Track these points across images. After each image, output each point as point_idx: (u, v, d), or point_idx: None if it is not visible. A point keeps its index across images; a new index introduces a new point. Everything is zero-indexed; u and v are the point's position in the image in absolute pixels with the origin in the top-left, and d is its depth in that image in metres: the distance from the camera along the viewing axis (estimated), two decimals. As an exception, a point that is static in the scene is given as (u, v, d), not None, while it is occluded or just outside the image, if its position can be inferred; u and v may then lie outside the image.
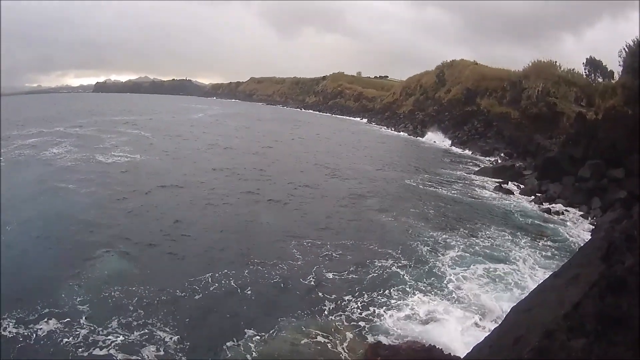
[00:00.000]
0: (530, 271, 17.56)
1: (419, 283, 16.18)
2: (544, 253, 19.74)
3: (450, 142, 62.39)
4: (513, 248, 20.16)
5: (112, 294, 14.14)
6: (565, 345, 5.72)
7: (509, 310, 9.35)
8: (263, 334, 12.36)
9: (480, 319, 13.93)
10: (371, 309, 14.24)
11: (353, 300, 14.74)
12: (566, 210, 26.98)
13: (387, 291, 15.46)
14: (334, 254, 18.47)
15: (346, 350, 12.03)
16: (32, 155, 36.21)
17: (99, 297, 13.88)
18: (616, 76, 42.90)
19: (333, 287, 15.56)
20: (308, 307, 14.00)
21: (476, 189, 32.65)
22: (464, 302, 14.94)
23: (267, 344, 11.98)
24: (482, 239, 21.18)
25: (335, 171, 36.96)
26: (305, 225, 22.16)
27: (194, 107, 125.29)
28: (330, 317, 13.59)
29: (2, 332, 11.83)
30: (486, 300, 15.03)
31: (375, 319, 13.67)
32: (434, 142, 64.60)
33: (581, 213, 26.55)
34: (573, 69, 55.04)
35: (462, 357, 10.75)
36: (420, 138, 68.64)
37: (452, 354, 11.60)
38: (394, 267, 17.46)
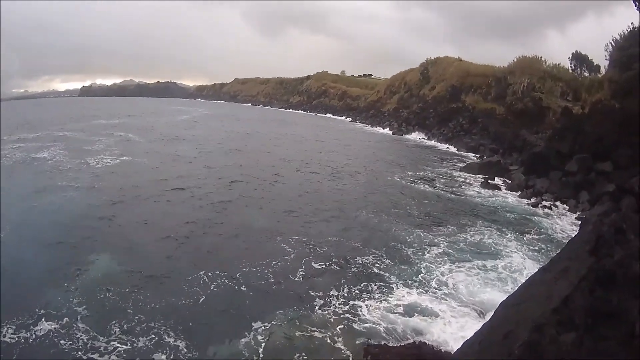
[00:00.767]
0: (519, 266, 17.40)
1: (407, 278, 16.21)
2: (532, 247, 19.61)
3: (435, 139, 62.35)
4: (501, 243, 20.03)
5: (108, 295, 14.23)
6: (555, 340, 5.80)
7: (498, 306, 9.05)
8: (254, 333, 12.37)
9: (469, 313, 13.78)
10: (359, 304, 14.27)
11: (340, 296, 14.82)
12: (554, 205, 26.80)
13: (375, 286, 15.54)
14: (320, 251, 18.48)
15: (336, 349, 11.89)
16: (23, 160, 35.83)
17: (95, 299, 13.96)
18: (602, 70, 42.89)
19: (321, 284, 15.62)
20: (297, 306, 14.04)
21: (462, 185, 32.45)
22: (452, 296, 14.89)
23: (258, 344, 11.95)
24: (469, 235, 21.03)
25: (320, 169, 36.78)
26: (292, 223, 22.09)
27: (178, 109, 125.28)
28: (319, 315, 13.62)
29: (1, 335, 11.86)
30: (474, 295, 14.95)
31: (364, 315, 13.67)
32: (419, 139, 64.53)
33: (569, 207, 26.40)
34: (559, 64, 55.25)
35: (452, 352, 10.70)
36: (406, 135, 68.42)
37: (442, 350, 11.53)
38: (380, 262, 17.55)
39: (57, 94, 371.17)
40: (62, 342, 11.69)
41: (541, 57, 57.40)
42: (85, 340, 11.78)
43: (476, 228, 22.06)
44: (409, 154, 49.47)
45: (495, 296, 14.21)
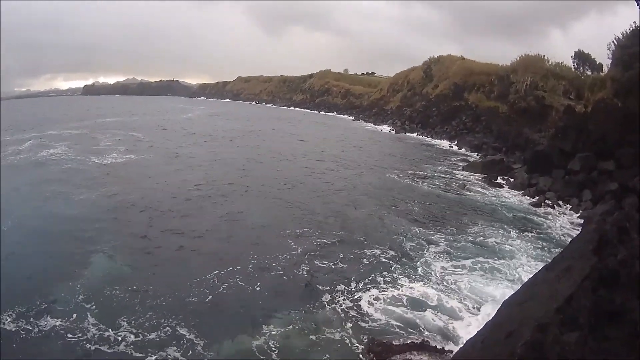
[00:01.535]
0: (521, 264, 17.47)
1: (410, 274, 16.45)
2: (534, 246, 19.64)
3: (438, 137, 62.17)
4: (503, 242, 20.08)
5: (115, 291, 14.37)
6: (558, 339, 5.65)
7: (501, 304, 9.09)
8: (260, 330, 12.53)
9: (471, 311, 13.88)
10: (363, 300, 14.49)
11: (344, 292, 15.05)
12: (557, 204, 26.77)
13: (379, 282, 15.76)
14: (325, 247, 18.78)
15: (339, 346, 11.97)
16: (28, 158, 35.86)
17: (102, 295, 14.14)
18: (605, 69, 42.74)
19: (326, 280, 15.87)
20: (302, 302, 14.23)
21: (465, 184, 32.38)
22: (455, 293, 14.99)
23: (263, 340, 12.06)
24: (472, 233, 21.10)
25: (323, 167, 36.89)
26: (296, 220, 22.32)
27: (182, 108, 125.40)
28: (323, 311, 13.79)
29: (4, 331, 12.06)
30: (477, 292, 15.01)
31: (368, 311, 13.88)
32: (422, 137, 64.36)
33: (571, 206, 26.35)
34: (562, 63, 55.01)
35: (454, 351, 10.65)
36: (409, 134, 68.22)
37: (445, 348, 11.55)
38: (383, 259, 17.77)
39: (60, 92, 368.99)
40: (69, 335, 11.92)
41: (544, 56, 57.20)
42: (94, 332, 12.01)
43: (478, 226, 22.10)
44: (411, 153, 49.46)
45: (497, 294, 14.37)
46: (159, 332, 12.15)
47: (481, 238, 20.49)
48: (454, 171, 38.00)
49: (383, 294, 14.83)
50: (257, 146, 48.66)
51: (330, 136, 61.57)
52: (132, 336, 11.97)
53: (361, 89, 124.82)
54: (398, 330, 12.80)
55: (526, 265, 17.24)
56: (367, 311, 13.81)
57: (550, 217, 24.51)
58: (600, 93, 32.63)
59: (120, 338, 11.86)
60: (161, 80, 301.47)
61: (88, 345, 11.52)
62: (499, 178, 34.37)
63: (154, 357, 11.20)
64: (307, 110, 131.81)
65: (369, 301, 14.38)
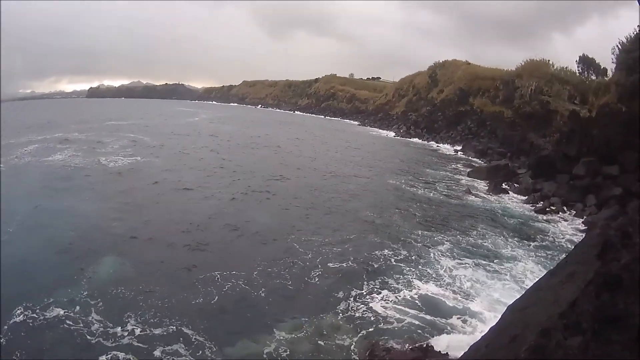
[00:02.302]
0: (526, 269, 17.52)
1: (416, 277, 16.47)
2: (539, 251, 19.69)
3: (443, 142, 62.33)
4: (509, 246, 20.16)
5: (120, 291, 14.37)
6: (561, 344, 5.50)
7: (505, 309, 9.19)
8: (266, 332, 12.51)
9: (476, 315, 13.89)
10: (368, 303, 14.55)
11: (351, 294, 15.08)
12: (561, 209, 26.77)
13: (384, 286, 15.72)
14: (332, 250, 18.84)
15: (343, 349, 12.03)
16: (35, 161, 35.56)
17: (107, 295, 14.11)
18: (610, 73, 42.65)
19: (333, 282, 15.94)
20: (309, 305, 14.30)
21: (470, 189, 32.34)
22: (461, 296, 15.07)
23: (268, 342, 12.07)
24: (476, 238, 21.16)
25: (331, 172, 36.89)
26: (304, 223, 22.44)
27: (187, 111, 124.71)
28: (329, 314, 13.81)
29: (9, 327, 12.10)
30: (483, 295, 15.14)
31: (373, 314, 13.91)
32: (427, 142, 64.48)
33: (575, 211, 26.36)
34: (566, 67, 55.02)
35: (458, 356, 10.47)
36: (415, 139, 68.36)
37: (448, 353, 11.52)
38: (391, 261, 17.88)
39: (64, 95, 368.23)
40: (74, 332, 12.04)
41: (549, 60, 57.23)
42: (98, 329, 12.17)
43: (482, 231, 22.16)
44: (416, 158, 49.51)
45: (503, 297, 14.55)
46: (164, 331, 12.23)
47: (485, 243, 20.56)
48: (458, 176, 38.12)
49: (390, 297, 14.89)
50: (263, 149, 48.80)
51: (336, 141, 61.39)
52: (137, 332, 12.11)
53: (367, 94, 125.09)
54: (403, 333, 12.84)
55: (530, 271, 17.28)
56: (373, 314, 13.83)
57: (554, 222, 24.54)
58: (605, 97, 32.62)
59: (125, 334, 11.99)
60: (166, 83, 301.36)
61: (92, 341, 11.68)
62: (503, 183, 34.23)
63: (158, 354, 11.33)
64: (313, 115, 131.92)
65: (376, 304, 14.42)
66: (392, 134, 76.47)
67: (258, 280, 15.70)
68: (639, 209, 20.93)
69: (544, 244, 20.92)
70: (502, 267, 17.72)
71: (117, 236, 19.29)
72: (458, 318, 13.75)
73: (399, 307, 14.36)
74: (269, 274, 16.25)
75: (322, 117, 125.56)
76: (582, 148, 30.67)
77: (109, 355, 11.14)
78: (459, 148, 56.44)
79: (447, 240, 20.68)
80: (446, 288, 15.74)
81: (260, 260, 17.30)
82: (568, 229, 23.54)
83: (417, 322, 13.44)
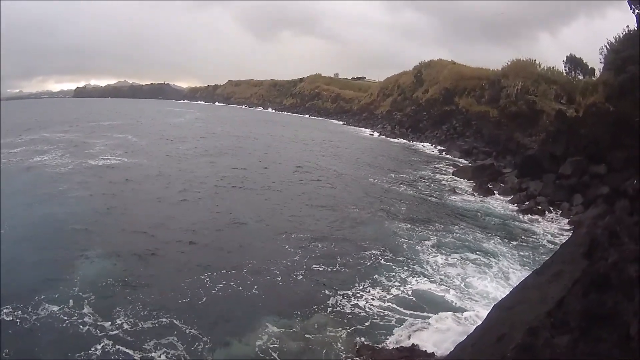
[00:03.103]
0: (512, 267, 17.72)
1: (405, 275, 16.70)
2: (525, 250, 19.88)
3: (428, 142, 62.58)
4: (495, 245, 20.31)
5: (109, 288, 14.56)
6: (549, 342, 5.78)
7: (491, 309, 9.05)
8: (251, 332, 12.52)
9: (463, 311, 14.02)
10: (355, 301, 14.68)
11: (336, 292, 15.22)
12: (547, 209, 26.85)
13: (372, 282, 16.02)
14: (320, 249, 18.91)
15: (330, 349, 12.04)
16: (22, 162, 35.12)
17: (97, 292, 14.19)
18: (597, 73, 42.76)
19: (319, 281, 16.09)
20: (297, 304, 14.30)
21: (455, 188, 32.43)
22: (448, 293, 15.27)
23: (256, 340, 12.16)
24: (461, 236, 21.26)
25: (316, 171, 37.03)
26: (291, 223, 22.33)
27: (174, 111, 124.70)
28: (318, 312, 13.91)
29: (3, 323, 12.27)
30: (471, 292, 15.35)
31: (360, 311, 14.03)
32: (412, 142, 64.64)
33: (561, 211, 26.49)
34: (553, 67, 55.07)
35: (444, 355, 10.73)
36: (399, 139, 68.38)
37: (434, 353, 11.54)
38: (378, 260, 18.03)
39: (52, 94, 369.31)
40: (66, 328, 12.19)
41: (535, 60, 57.16)
42: (90, 324, 12.36)
43: (468, 231, 22.18)
44: (401, 157, 49.58)
45: (488, 296, 14.81)
46: (153, 327, 12.40)
47: (471, 241, 20.63)
48: (444, 176, 38.15)
49: (377, 295, 15.07)
50: (250, 149, 48.64)
51: (320, 140, 61.42)
52: (126, 327, 12.28)
53: (351, 94, 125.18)
54: (389, 332, 12.90)
55: (516, 269, 17.47)
56: (360, 312, 13.96)
57: (540, 222, 24.74)
58: (592, 97, 32.76)
59: (114, 330, 12.12)
60: (152, 83, 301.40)
61: (83, 337, 11.81)
62: (489, 183, 34.23)
63: (147, 349, 11.43)
64: (298, 115, 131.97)
65: (363, 302, 14.58)
66: (376, 133, 76.43)
67: (247, 277, 15.80)
68: (627, 208, 21.13)
69: (529, 243, 21.03)
70: (488, 265, 17.84)
71: (105, 235, 19.25)
72: (445, 316, 13.69)
73: (386, 304, 14.50)
74: (258, 271, 16.33)
75: (307, 116, 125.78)
76: (569, 147, 30.76)
77: (99, 351, 11.24)
78: (443, 148, 56.60)
79: (433, 238, 20.81)
80: (433, 285, 15.92)
81: (249, 257, 17.45)
82: (554, 228, 23.68)
83: (404, 320, 13.53)
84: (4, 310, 12.64)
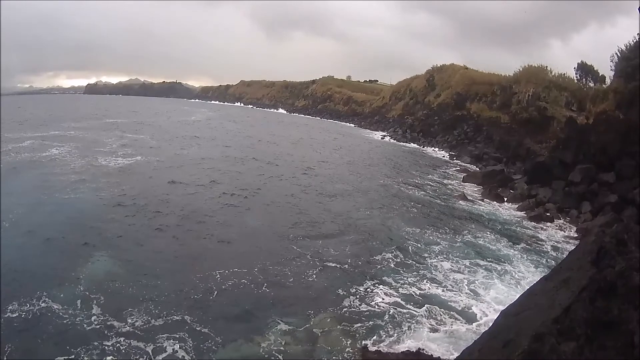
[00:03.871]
0: (520, 274, 17.61)
1: (413, 278, 16.69)
2: (533, 257, 19.85)
3: (439, 147, 62.16)
4: (503, 251, 20.28)
5: (116, 286, 14.59)
6: (555, 349, 5.71)
7: (498, 314, 9.08)
8: (260, 331, 12.61)
9: (471, 316, 14.07)
10: (365, 304, 14.65)
11: (347, 293, 15.29)
12: (556, 216, 26.79)
13: (381, 285, 16.00)
14: (330, 250, 18.97)
15: (338, 347, 12.16)
16: (33, 157, 35.11)
17: (105, 289, 14.25)
18: (608, 81, 42.56)
19: (329, 283, 16.00)
20: (306, 305, 14.27)
21: (465, 194, 32.18)
22: (456, 298, 15.22)
23: (263, 340, 12.20)
24: (471, 242, 21.27)
25: (328, 173, 36.86)
26: (301, 225, 22.25)
27: (186, 110, 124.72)
28: (324, 312, 13.93)
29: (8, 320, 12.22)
30: (479, 298, 15.26)
31: (370, 315, 13.97)
32: (423, 146, 64.31)
33: (570, 218, 26.45)
34: (564, 74, 55.09)
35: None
36: (411, 143, 67.90)
37: (440, 358, 11.48)
38: (387, 262, 18.14)
39: (62, 90, 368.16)
40: (70, 325, 12.17)
41: (546, 67, 57.17)
42: (97, 322, 12.36)
43: (477, 236, 22.17)
44: (412, 161, 49.28)
45: (496, 302, 14.72)
46: (160, 327, 12.41)
47: (480, 247, 20.63)
48: (453, 181, 38.04)
49: (385, 298, 15.05)
50: (260, 150, 48.38)
51: (332, 143, 61.30)
52: (136, 327, 12.27)
53: (363, 96, 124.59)
54: (396, 335, 12.89)
55: (524, 276, 17.37)
56: (368, 314, 13.94)
57: (549, 229, 24.64)
58: (603, 105, 32.53)
59: (122, 330, 12.10)
60: (164, 81, 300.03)
61: (88, 336, 11.76)
62: (499, 189, 34.03)
63: (154, 348, 11.46)
64: (309, 117, 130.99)
65: (370, 305, 14.57)
66: (388, 137, 75.97)
67: (256, 278, 15.83)
68: (635, 216, 21.69)
69: (538, 249, 21.00)
70: (496, 271, 17.78)
71: (114, 233, 19.31)
72: (452, 321, 13.77)
73: (394, 307, 14.47)
74: (267, 272, 16.40)
75: (319, 118, 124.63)
76: (578, 155, 30.65)
77: (107, 350, 11.26)
78: (454, 153, 56.22)
79: (443, 242, 20.85)
80: (441, 290, 15.87)
81: (259, 258, 17.49)
82: (563, 235, 23.60)
83: (411, 324, 13.52)
84: (9, 308, 12.67)
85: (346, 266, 17.41)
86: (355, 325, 13.21)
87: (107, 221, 20.74)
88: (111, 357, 11.04)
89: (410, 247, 19.94)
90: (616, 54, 35.42)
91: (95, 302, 13.34)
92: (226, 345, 11.83)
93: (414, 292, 15.57)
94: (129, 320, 12.49)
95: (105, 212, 22.01)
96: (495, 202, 30.52)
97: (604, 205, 25.42)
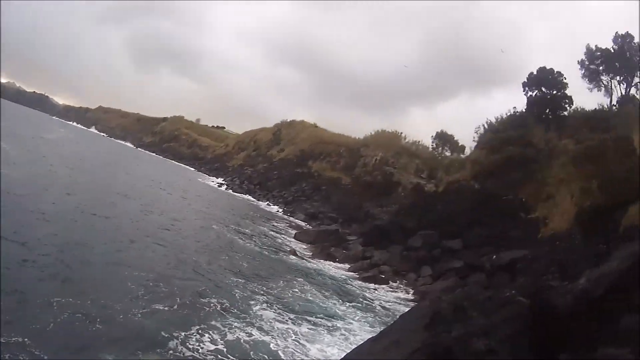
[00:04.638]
0: (349, 332, 16.96)
1: (236, 328, 15.26)
2: (363, 314, 19.47)
3: (275, 201, 60.78)
4: (332, 308, 19.53)
5: None
6: None
7: None
8: None
9: None
10: (191, 343, 13.46)
11: (175, 334, 13.62)
12: (392, 278, 26.06)
13: (207, 328, 14.65)
14: (158, 290, 17.00)
15: None
16: None
17: None
18: (468, 151, 45.08)
19: (158, 321, 14.37)
20: (132, 341, 12.63)
21: (296, 250, 30.22)
22: (279, 350, 14.33)
23: None
24: (299, 297, 20.22)
25: (155, 212, 32.86)
26: (132, 259, 19.51)
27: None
28: (151, 351, 12.45)
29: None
30: (304, 350, 14.62)
31: (192, 355, 12.84)
32: (258, 199, 62.92)
33: (407, 281, 26.06)
34: (419, 141, 57.66)
35: None
36: (247, 195, 66.01)
37: None
38: (216, 307, 16.73)
39: None
40: None
41: (401, 133, 59.25)
42: None
43: (306, 292, 21.10)
44: (245, 212, 47.30)
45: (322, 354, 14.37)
46: None
47: (307, 301, 19.81)
48: (286, 236, 36.12)
49: (211, 341, 13.88)
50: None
51: (166, 184, 56.90)
52: None
53: (208, 141, 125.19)
54: None
55: (349, 335, 16.55)
56: (194, 356, 12.72)
57: (382, 290, 24.07)
58: (457, 174, 33.74)
59: None
60: (35, 92, 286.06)
61: None
62: (332, 248, 32.15)
63: None
64: (154, 154, 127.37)
65: (197, 345, 13.34)
66: (224, 185, 74.33)
67: (90, 309, 13.75)
68: (483, 281, 21.81)
69: (369, 308, 20.65)
70: (323, 325, 17.14)
71: None
72: None
73: (219, 350, 13.43)
74: (99, 304, 14.27)
75: (163, 158, 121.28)
76: (422, 221, 30.79)
77: None
78: (289, 209, 55.05)
79: (271, 293, 19.86)
80: (267, 337, 15.06)
81: (91, 288, 15.30)
82: (396, 297, 23.52)
83: None
84: (10, 307, 11.78)
85: (176, 306, 15.85)
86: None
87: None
88: None
89: (237, 295, 18.52)
90: (483, 125, 36.84)
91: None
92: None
93: (240, 336, 14.66)
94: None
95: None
96: (326, 261, 28.72)
97: (446, 270, 25.34)
